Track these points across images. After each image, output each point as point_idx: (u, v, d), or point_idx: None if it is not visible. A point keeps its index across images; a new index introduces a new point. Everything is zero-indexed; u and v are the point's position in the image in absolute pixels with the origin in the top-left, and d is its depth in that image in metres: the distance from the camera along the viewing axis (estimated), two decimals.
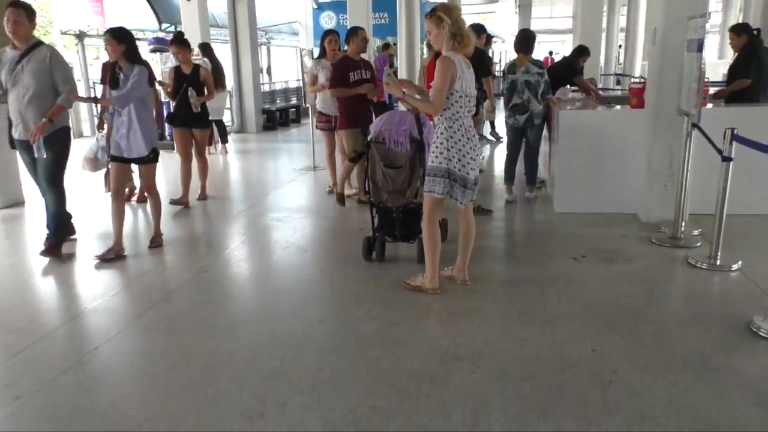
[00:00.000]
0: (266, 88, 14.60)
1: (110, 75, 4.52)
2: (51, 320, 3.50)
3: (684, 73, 4.48)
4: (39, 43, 4.42)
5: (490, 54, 9.25)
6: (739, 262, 4.03)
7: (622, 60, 18.65)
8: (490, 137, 10.27)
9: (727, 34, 9.12)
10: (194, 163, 6.28)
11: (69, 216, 4.84)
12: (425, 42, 7.86)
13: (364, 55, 5.85)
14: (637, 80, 9.28)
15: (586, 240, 4.69)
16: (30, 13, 4.33)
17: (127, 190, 5.59)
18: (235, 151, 10.10)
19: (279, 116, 13.34)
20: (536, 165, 6.05)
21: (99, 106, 5.97)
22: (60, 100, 4.35)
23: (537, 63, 5.78)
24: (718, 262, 4.02)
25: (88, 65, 12.51)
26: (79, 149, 5.61)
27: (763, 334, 3.04)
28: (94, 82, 11.67)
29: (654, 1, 5.41)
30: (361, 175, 5.62)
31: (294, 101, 14.60)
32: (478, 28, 6.42)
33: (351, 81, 5.55)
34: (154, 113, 6.04)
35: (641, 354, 2.91)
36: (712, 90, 6.32)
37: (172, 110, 6.27)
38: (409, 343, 3.08)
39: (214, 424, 2.44)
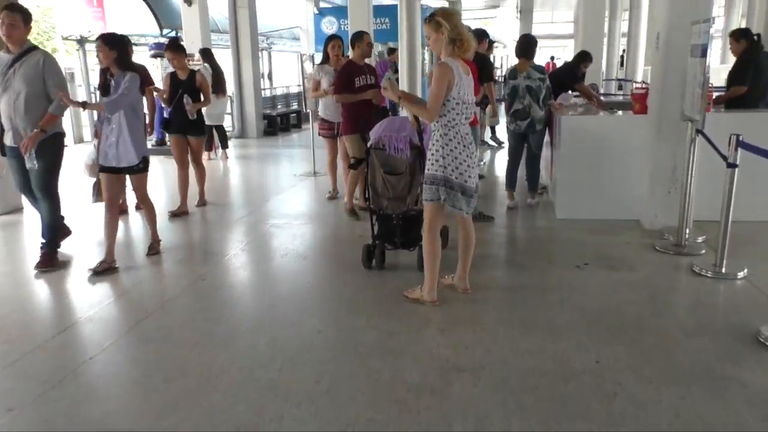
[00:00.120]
0: (267, 93, 14.58)
1: (101, 81, 4.46)
2: (46, 330, 3.44)
3: (688, 78, 4.44)
4: (33, 48, 4.31)
5: (492, 59, 9.21)
6: (745, 270, 3.98)
7: (624, 65, 18.61)
8: (491, 142, 10.25)
9: (728, 39, 9.07)
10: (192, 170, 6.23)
11: (62, 218, 4.71)
12: (426, 47, 7.84)
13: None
14: (640, 85, 9.23)
15: (589, 247, 4.64)
16: (26, 16, 4.24)
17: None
18: (235, 156, 10.06)
19: (280, 121, 13.33)
20: (538, 171, 6.00)
21: (96, 112, 5.93)
22: (51, 108, 4.22)
23: (538, 68, 5.74)
24: (723, 270, 3.96)
25: (89, 71, 12.49)
26: (80, 155, 5.56)
27: None
28: (95, 88, 11.65)
29: (658, 6, 5.37)
30: (361, 181, 5.58)
31: (295, 106, 14.59)
32: (480, 34, 6.38)
33: (356, 86, 5.50)
34: (148, 119, 6.00)
35: (646, 365, 2.85)
36: (715, 95, 6.26)
37: (168, 116, 6.22)
38: (409, 353, 3.03)
39: None
